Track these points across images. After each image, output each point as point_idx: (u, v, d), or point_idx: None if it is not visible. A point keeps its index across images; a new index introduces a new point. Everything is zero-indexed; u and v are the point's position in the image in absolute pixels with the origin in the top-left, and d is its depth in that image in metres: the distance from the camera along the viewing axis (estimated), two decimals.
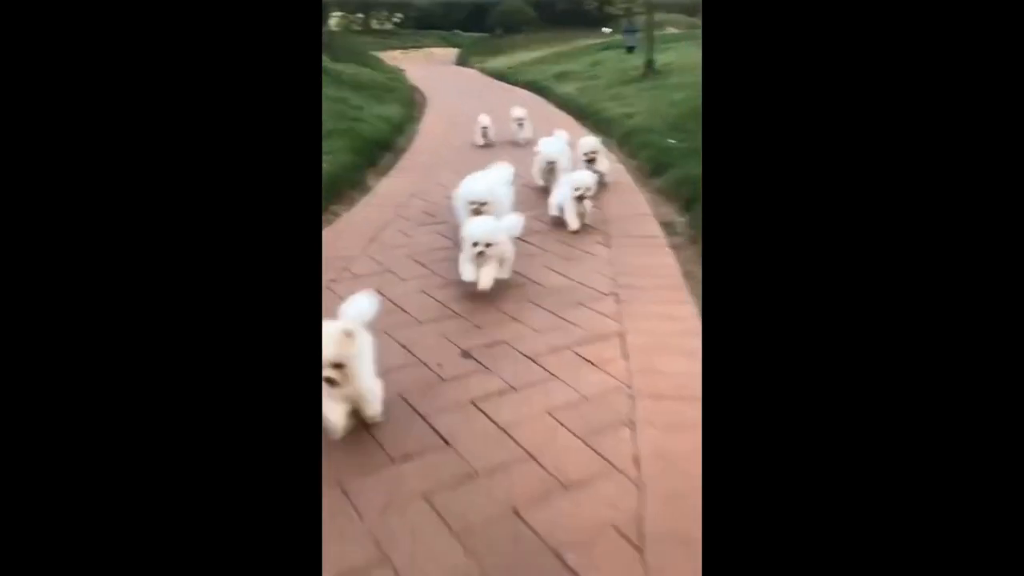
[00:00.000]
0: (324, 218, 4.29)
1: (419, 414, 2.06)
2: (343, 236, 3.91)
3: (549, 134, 4.98)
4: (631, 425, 1.98)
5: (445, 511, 1.65)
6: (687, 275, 3.22)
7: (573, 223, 3.86)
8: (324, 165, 5.01)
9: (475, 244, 2.86)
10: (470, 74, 17.63)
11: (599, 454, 1.85)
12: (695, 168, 4.79)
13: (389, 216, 4.31)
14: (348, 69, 10.65)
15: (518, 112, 6.68)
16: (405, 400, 2.13)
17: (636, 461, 1.81)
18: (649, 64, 10.62)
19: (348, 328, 1.82)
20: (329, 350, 1.75)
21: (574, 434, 1.95)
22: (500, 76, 15.74)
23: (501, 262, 2.99)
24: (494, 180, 3.65)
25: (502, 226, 3.02)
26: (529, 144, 5.55)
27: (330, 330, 1.77)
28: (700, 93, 7.59)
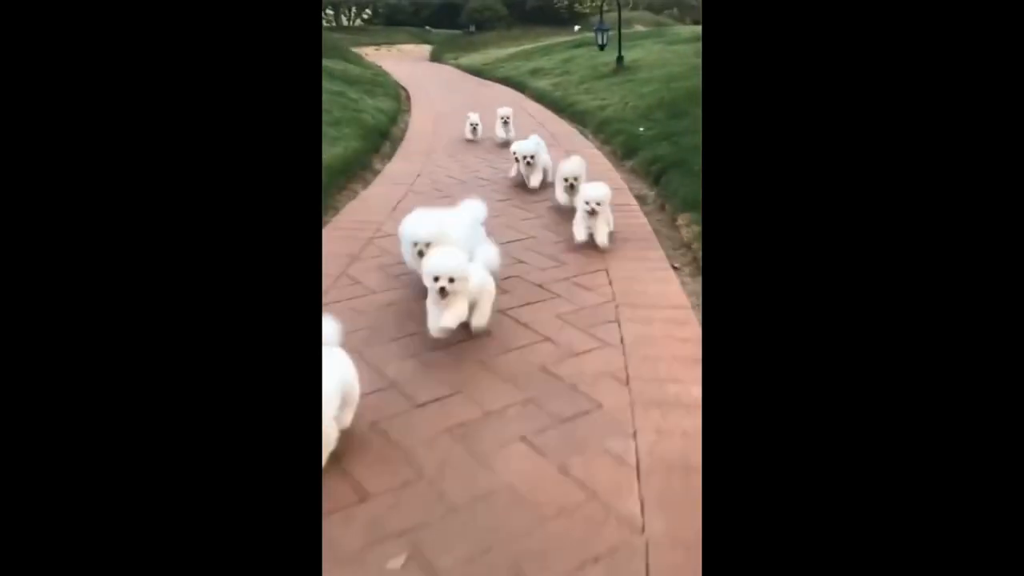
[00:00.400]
0: (345, 195, 5.01)
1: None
2: (369, 206, 4.64)
3: (531, 128, 5.66)
4: (617, 322, 2.77)
5: (494, 368, 2.41)
6: (656, 232, 4.03)
7: (579, 235, 3.67)
8: (338, 150, 5.71)
9: (436, 279, 2.37)
10: (446, 70, 18.29)
11: (596, 337, 2.64)
12: (662, 151, 5.61)
13: (403, 192, 5.05)
14: (337, 65, 11.28)
15: (504, 111, 6.79)
16: None
17: (621, 340, 2.60)
18: (619, 60, 11.45)
19: None
20: None
21: (577, 328, 2.73)
22: (476, 72, 16.43)
23: (475, 305, 2.56)
24: (446, 218, 3.01)
25: (466, 262, 2.49)
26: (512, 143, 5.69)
27: None
28: (666, 86, 8.37)
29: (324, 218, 4.36)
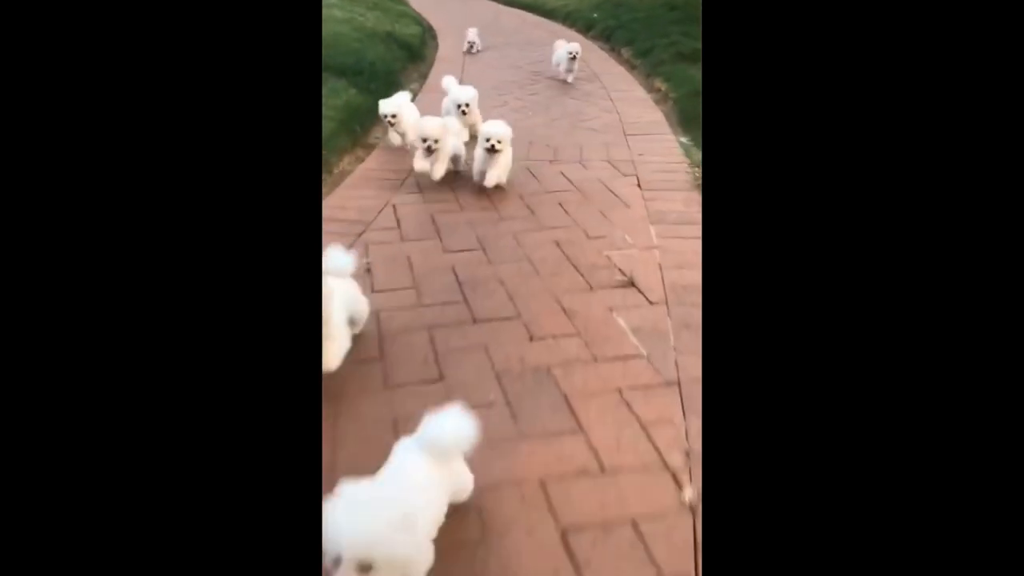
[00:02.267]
0: (430, 52, 8.56)
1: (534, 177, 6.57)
2: (445, 58, 8.26)
3: (514, 27, 9.13)
4: (603, 88, 6.55)
5: (524, 245, 3.29)
6: (609, 59, 7.81)
7: (490, 180, 3.76)
8: (413, 31, 9.24)
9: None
10: None
11: (594, 80, 6.42)
12: (610, 23, 9.36)
13: (462, 53, 8.65)
14: None
15: (572, 47, 6.62)
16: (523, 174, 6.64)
17: (601, 82, 6.39)
18: None
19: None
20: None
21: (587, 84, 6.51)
22: None
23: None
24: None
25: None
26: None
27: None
28: None
29: (428, 67, 7.93)
